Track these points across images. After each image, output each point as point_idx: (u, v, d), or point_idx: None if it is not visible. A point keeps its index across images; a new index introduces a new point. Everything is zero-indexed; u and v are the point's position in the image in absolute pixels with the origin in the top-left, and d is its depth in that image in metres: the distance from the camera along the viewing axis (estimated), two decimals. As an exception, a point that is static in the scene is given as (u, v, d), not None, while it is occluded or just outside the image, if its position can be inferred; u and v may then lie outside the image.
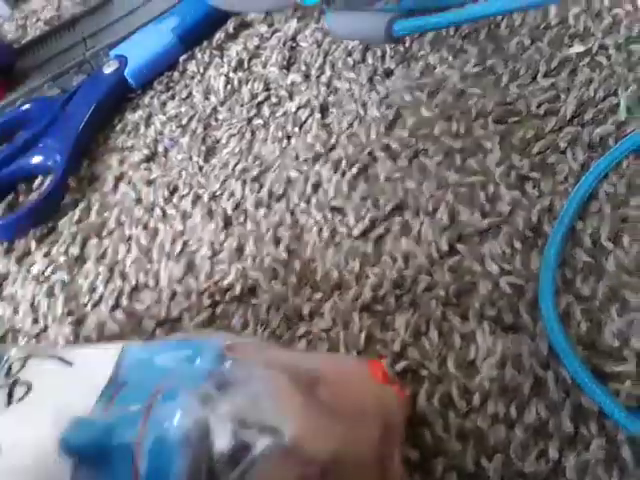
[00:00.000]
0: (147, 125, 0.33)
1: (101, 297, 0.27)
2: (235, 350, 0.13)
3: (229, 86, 0.33)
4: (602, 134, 0.24)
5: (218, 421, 0.12)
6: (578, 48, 0.27)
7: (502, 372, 0.20)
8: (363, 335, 0.21)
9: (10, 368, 0.15)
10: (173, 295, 0.25)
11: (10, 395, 0.14)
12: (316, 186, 0.27)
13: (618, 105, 0.24)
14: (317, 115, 0.30)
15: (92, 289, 0.27)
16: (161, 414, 0.13)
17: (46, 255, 0.29)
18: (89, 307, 0.26)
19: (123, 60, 0.34)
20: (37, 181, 0.32)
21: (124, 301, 0.26)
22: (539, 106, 0.26)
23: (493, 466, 0.18)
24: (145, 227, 0.28)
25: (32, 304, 0.27)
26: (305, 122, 0.30)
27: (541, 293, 0.20)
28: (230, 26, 0.35)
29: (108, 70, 0.34)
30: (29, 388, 0.14)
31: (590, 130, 0.24)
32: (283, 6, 0.30)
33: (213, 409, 0.12)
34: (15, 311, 0.27)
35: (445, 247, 0.23)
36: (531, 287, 0.21)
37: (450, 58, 0.29)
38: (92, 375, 0.14)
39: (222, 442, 0.12)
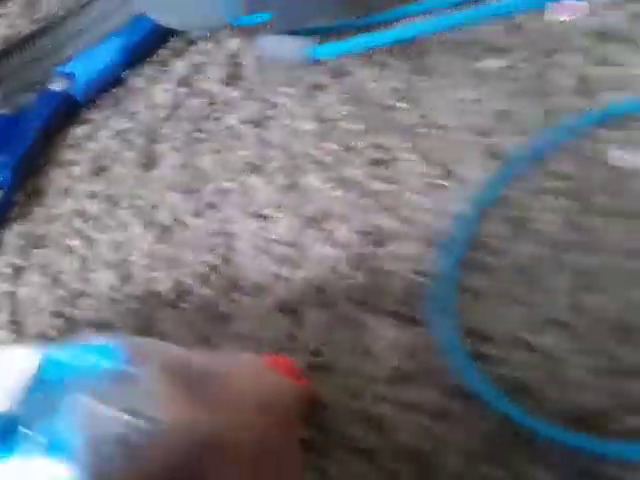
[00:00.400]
0: (92, 140, 0.34)
1: (43, 305, 0.28)
2: (133, 352, 0.15)
3: (173, 101, 0.35)
4: (509, 144, 0.26)
5: (111, 411, 0.13)
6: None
7: (404, 362, 0.21)
8: (282, 334, 0.23)
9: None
10: (110, 302, 0.27)
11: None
12: (250, 196, 0.29)
13: None
14: (256, 129, 0.31)
15: (34, 298, 0.28)
16: (66, 406, 0.14)
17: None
18: (31, 315, 0.28)
19: (71, 77, 0.35)
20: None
21: (65, 309, 0.27)
22: (459, 118, 0.28)
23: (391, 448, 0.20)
24: (86, 238, 0.29)
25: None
26: (244, 136, 0.32)
27: (436, 289, 0.22)
28: (175, 44, 0.37)
29: (56, 87, 0.35)
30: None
31: (498, 139, 0.26)
32: (218, 26, 0.31)
33: (108, 401, 0.14)
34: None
35: (364, 251, 0.25)
36: (434, 284, 0.23)
37: (378, 72, 0.31)
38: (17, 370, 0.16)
39: (114, 428, 0.13)
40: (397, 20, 0.32)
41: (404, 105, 0.29)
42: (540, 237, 0.23)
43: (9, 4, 0.44)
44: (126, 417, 0.12)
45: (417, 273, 0.23)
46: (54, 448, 0.13)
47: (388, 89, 0.30)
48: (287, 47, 0.26)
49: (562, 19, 0.29)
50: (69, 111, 0.35)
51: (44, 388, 0.15)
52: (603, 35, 0.28)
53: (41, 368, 0.16)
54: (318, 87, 0.32)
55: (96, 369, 0.15)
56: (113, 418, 0.13)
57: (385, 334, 0.22)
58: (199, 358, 0.15)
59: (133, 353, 0.14)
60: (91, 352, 0.16)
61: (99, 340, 0.16)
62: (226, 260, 0.26)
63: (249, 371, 0.17)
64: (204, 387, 0.14)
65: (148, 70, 0.36)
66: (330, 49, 0.25)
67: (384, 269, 0.24)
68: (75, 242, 0.29)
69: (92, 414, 0.13)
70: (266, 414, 0.15)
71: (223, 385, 0.15)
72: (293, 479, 0.17)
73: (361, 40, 0.26)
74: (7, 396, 0.15)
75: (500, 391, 0.19)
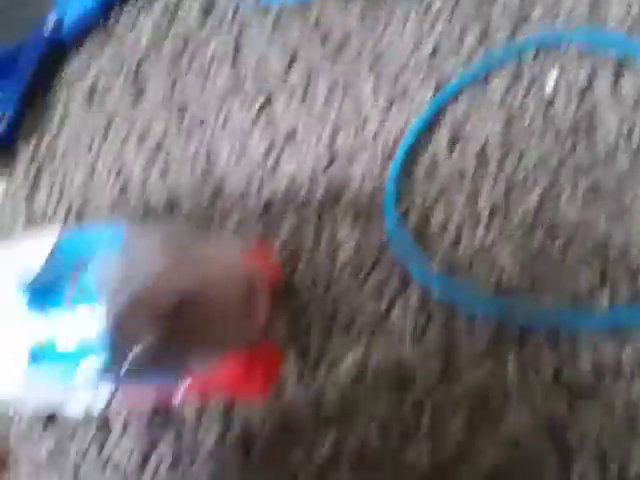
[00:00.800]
0: (87, 69, 0.37)
1: (54, 214, 0.32)
2: (133, 232, 0.19)
3: (157, 31, 0.37)
4: (453, 66, 0.29)
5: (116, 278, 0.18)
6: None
7: (357, 255, 0.26)
8: (258, 232, 0.27)
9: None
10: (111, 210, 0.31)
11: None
12: (227, 118, 0.32)
13: None
14: (230, 56, 0.34)
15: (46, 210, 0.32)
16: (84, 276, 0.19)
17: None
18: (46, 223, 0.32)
19: (59, 21, 0.37)
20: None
21: (72, 218, 0.32)
22: (407, 42, 0.31)
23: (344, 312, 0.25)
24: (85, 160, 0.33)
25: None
26: (220, 63, 0.34)
27: (387, 194, 0.26)
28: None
29: (50, 25, 0.38)
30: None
31: (444, 61, 0.30)
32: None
33: (111, 269, 0.18)
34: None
35: (324, 163, 0.29)
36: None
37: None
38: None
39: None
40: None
41: (361, 32, 0.32)
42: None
43: None
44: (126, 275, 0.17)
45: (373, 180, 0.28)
46: (81, 299, 0.18)
47: (346, 24, 0.33)
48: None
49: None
50: (63, 46, 0.38)
51: (63, 255, 0.20)
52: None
53: (60, 241, 0.20)
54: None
55: (103, 244, 0.19)
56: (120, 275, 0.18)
57: (341, 231, 0.27)
58: (191, 235, 0.20)
59: (133, 233, 0.19)
60: (101, 232, 0.20)
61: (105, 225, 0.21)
62: (209, 173, 0.31)
63: (226, 248, 0.22)
64: (190, 253, 0.20)
65: (132, 5, 0.39)
66: None
67: (344, 178, 0.28)
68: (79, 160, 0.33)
69: (106, 271, 0.18)
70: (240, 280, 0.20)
71: (205, 254, 0.20)
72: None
73: None
74: (35, 263, 0.20)
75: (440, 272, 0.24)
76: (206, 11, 0.36)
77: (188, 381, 0.20)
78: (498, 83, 0.28)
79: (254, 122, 0.31)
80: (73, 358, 0.18)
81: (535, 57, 0.28)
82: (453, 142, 0.27)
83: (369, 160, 0.28)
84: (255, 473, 0.23)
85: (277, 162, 0.30)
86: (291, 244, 0.27)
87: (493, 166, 0.26)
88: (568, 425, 0.21)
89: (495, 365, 0.21)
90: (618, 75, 0.26)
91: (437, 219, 0.25)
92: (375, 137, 0.29)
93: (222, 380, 0.22)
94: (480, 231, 0.25)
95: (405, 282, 0.24)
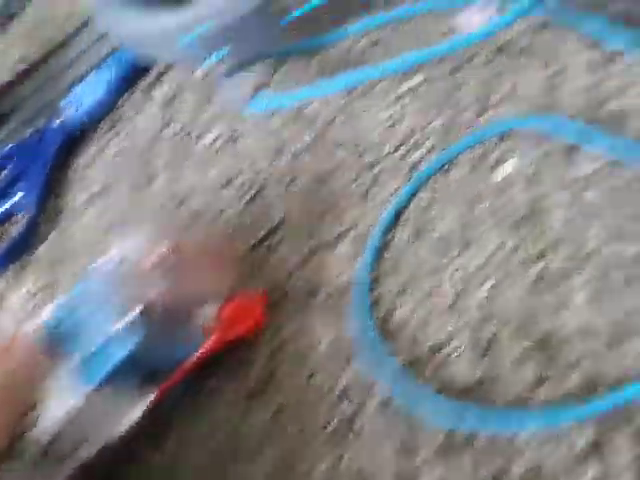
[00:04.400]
0: (98, 160, 0.41)
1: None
2: None
3: (161, 121, 0.41)
4: (420, 157, 0.32)
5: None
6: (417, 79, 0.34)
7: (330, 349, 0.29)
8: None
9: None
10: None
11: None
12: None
13: None
14: (229, 144, 0.38)
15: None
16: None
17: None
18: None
19: (72, 110, 0.42)
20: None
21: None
22: (381, 132, 0.33)
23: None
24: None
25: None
26: (219, 151, 0.38)
27: (356, 288, 0.29)
28: (156, 70, 0.43)
29: (63, 117, 0.42)
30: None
31: (412, 153, 0.32)
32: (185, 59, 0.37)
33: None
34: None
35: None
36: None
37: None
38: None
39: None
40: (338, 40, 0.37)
41: (341, 118, 0.35)
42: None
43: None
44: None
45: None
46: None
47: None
48: (232, 94, 0.32)
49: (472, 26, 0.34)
50: (75, 136, 0.42)
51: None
52: (502, 49, 0.32)
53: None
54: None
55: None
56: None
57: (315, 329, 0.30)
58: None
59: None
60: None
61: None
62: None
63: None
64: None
65: (137, 95, 0.43)
66: (265, 103, 0.30)
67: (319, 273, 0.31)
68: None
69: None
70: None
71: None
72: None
73: (293, 95, 0.31)
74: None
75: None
76: (202, 103, 0.40)
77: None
78: (459, 171, 0.30)
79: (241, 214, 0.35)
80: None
81: (493, 144, 0.30)
82: (417, 233, 0.30)
83: (344, 253, 0.31)
84: None
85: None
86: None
87: (454, 256, 0.28)
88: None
89: (445, 470, 0.23)
90: (569, 161, 0.28)
91: (403, 312, 0.28)
92: (351, 228, 0.32)
93: (227, 324, 0.28)
94: (441, 325, 0.27)
95: (370, 385, 0.26)
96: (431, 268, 0.29)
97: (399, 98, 0.34)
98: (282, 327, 0.29)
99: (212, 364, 0.29)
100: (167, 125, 0.41)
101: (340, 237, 0.31)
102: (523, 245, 0.27)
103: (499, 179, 0.29)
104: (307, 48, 0.38)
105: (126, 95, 0.42)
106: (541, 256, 0.27)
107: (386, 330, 0.28)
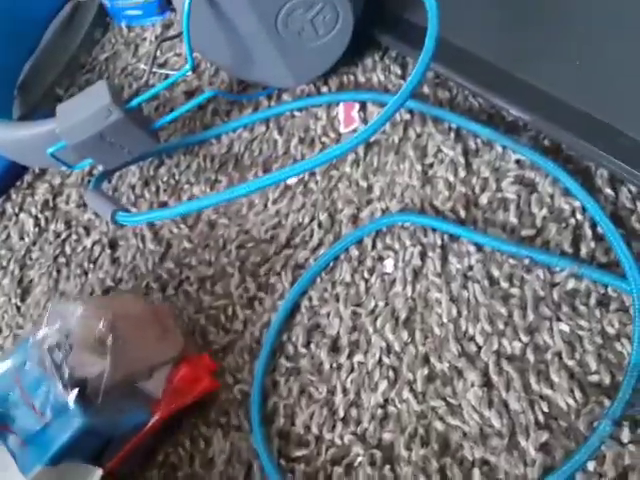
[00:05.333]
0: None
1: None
2: None
3: (37, 227, 0.39)
4: (305, 257, 0.32)
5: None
6: (294, 179, 0.34)
7: (229, 466, 0.27)
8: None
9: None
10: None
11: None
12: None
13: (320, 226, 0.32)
14: (108, 250, 0.36)
15: None
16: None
17: None
18: None
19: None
20: None
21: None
22: (267, 232, 0.33)
23: None
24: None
25: None
26: (98, 257, 0.36)
27: (252, 398, 0.28)
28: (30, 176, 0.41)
29: None
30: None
31: (298, 252, 0.32)
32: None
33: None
34: None
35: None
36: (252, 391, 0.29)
37: (208, 189, 0.36)
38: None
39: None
40: (219, 135, 0.37)
41: (225, 221, 0.35)
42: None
43: None
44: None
45: (239, 382, 0.29)
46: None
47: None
48: (99, 206, 0.31)
49: (348, 129, 0.35)
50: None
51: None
52: (373, 145, 0.34)
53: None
54: (159, 205, 0.37)
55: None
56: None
57: (214, 441, 0.28)
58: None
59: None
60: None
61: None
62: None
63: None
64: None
65: (16, 195, 0.40)
66: (132, 218, 0.30)
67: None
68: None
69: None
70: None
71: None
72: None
73: (157, 214, 0.31)
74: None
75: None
76: (78, 207, 0.38)
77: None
78: (341, 271, 0.30)
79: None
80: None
81: (374, 241, 0.31)
82: (309, 335, 0.29)
83: (240, 354, 0.30)
84: None
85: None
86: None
87: (344, 358, 0.28)
88: None
89: None
90: (445, 257, 0.29)
91: (300, 421, 0.27)
92: (243, 331, 0.31)
93: (179, 389, 0.28)
94: (338, 431, 0.27)
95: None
96: (324, 373, 0.28)
97: (277, 200, 0.34)
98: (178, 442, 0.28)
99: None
100: (44, 230, 0.39)
101: (230, 344, 0.30)
102: (409, 348, 0.27)
103: (379, 279, 0.30)
104: (187, 145, 0.37)
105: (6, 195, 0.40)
106: (426, 359, 0.27)
107: (283, 441, 0.27)
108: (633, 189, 0.28)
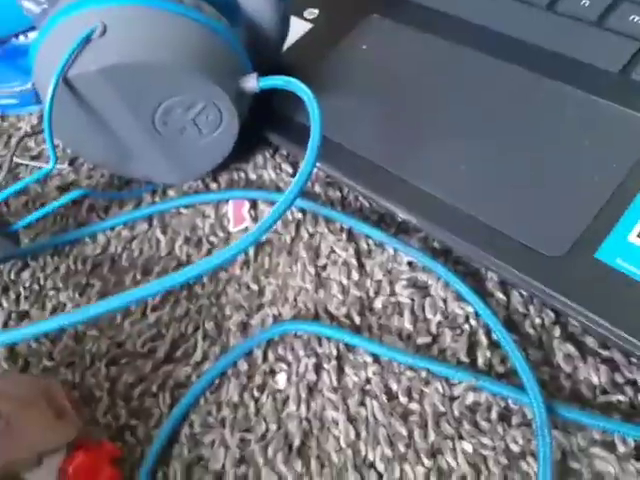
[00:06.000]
0: None
1: None
2: None
3: None
4: (186, 373, 0.28)
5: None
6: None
7: None
8: None
9: None
10: None
11: None
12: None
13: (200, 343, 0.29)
14: None
15: None
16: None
17: None
18: None
19: None
20: None
21: None
22: (144, 345, 0.29)
23: None
24: None
25: None
26: None
27: None
28: None
29: None
30: None
31: (179, 368, 0.28)
32: None
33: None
34: None
35: None
36: None
37: (77, 296, 0.32)
38: None
39: None
40: (94, 233, 0.34)
41: (94, 332, 0.30)
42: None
43: None
44: None
45: None
46: None
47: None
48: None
49: (238, 228, 0.33)
50: None
51: None
52: (264, 245, 0.32)
53: None
54: (20, 315, 0.32)
55: None
56: None
57: None
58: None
59: None
60: None
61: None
62: None
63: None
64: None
65: None
66: None
67: None
68: None
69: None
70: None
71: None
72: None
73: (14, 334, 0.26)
74: None
75: None
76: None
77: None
78: (232, 387, 0.27)
79: None
80: None
81: (265, 351, 0.28)
82: (189, 471, 0.25)
83: None
84: None
85: None
86: None
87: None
88: None
89: None
90: (341, 369, 0.27)
91: None
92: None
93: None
94: None
95: None
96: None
97: (160, 304, 0.30)
98: None
99: None
100: None
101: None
102: (303, 480, 0.24)
103: (271, 397, 0.27)
104: (56, 246, 0.33)
105: None
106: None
107: None
108: (524, 293, 0.28)
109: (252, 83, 0.29)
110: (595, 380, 0.25)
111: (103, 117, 0.29)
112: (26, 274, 0.33)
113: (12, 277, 0.33)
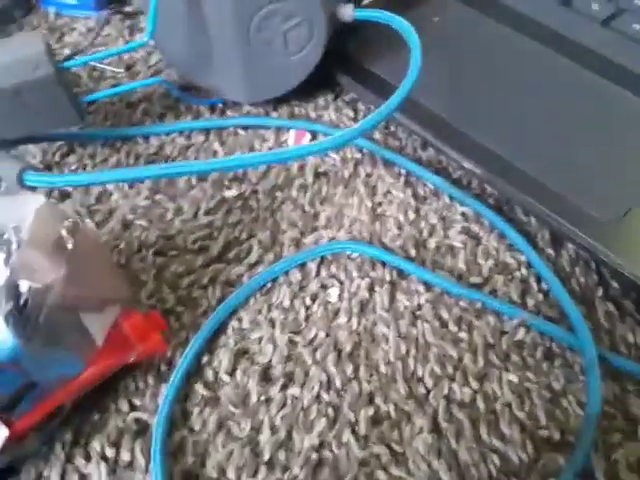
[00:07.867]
0: None
1: None
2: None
3: None
4: (238, 273, 0.28)
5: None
6: (232, 192, 0.31)
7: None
8: None
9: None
10: None
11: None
12: None
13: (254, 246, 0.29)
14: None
15: None
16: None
17: None
18: None
19: None
20: None
21: None
22: (195, 242, 0.29)
23: None
24: None
25: None
26: None
27: (155, 430, 0.22)
28: None
29: None
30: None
31: (231, 268, 0.28)
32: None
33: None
34: None
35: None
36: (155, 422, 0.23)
37: (126, 187, 0.31)
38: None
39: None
40: (149, 135, 0.33)
41: (143, 222, 0.30)
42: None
43: None
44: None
45: (136, 409, 0.23)
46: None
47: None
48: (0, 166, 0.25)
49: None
50: None
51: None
52: (323, 175, 0.32)
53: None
54: (62, 195, 0.31)
55: None
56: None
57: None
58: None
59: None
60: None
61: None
62: None
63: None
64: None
65: None
66: (43, 179, 0.24)
67: (105, 406, 0.23)
68: None
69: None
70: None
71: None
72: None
73: (72, 178, 0.25)
74: None
75: None
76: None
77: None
78: (279, 294, 0.27)
79: None
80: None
81: (319, 267, 0.28)
82: (235, 361, 0.25)
83: (143, 377, 0.24)
84: None
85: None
86: None
87: (276, 390, 0.24)
88: None
89: None
90: (393, 293, 0.27)
91: (214, 461, 0.22)
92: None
93: (124, 340, 0.22)
94: (260, 478, 0.22)
95: None
96: (250, 405, 0.23)
97: (213, 209, 0.30)
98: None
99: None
100: None
101: (131, 362, 0.24)
102: (352, 385, 0.24)
103: (322, 307, 0.27)
104: (106, 137, 0.32)
105: None
106: (371, 398, 0.24)
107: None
108: (572, 254, 0.29)
109: (349, 11, 0.30)
110: (631, 339, 0.26)
111: (201, 13, 0.29)
112: (72, 158, 0.32)
113: (56, 159, 0.32)
